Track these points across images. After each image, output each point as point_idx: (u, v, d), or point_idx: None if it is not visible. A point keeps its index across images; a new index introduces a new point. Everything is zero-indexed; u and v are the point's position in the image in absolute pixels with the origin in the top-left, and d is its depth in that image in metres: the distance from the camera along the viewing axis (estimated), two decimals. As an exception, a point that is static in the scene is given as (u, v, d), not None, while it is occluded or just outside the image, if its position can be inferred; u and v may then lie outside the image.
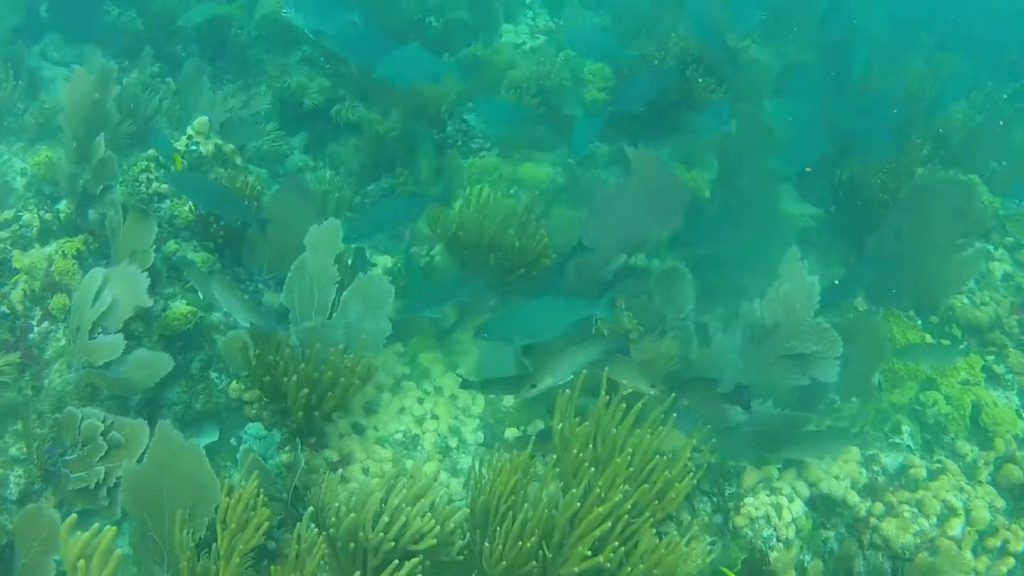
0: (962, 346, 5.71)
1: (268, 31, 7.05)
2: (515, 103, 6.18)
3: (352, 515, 3.71)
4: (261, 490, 3.83)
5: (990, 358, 5.72)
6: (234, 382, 5.04)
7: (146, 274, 4.83)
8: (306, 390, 4.53)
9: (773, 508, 4.74)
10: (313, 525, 3.90)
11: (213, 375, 5.24)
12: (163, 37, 6.98)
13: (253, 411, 4.93)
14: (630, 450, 4.05)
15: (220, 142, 5.93)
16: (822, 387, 5.08)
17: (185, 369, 5.16)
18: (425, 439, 5.04)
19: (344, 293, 5.03)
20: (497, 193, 5.65)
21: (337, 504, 3.84)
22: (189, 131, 5.89)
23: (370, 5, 7.03)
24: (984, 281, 6.10)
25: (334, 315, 5.01)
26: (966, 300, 5.92)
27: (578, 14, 7.18)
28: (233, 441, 5.09)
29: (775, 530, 4.70)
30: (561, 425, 4.11)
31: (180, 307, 5.19)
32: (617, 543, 3.77)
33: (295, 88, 6.57)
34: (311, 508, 4.03)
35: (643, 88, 5.80)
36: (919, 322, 5.80)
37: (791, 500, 4.80)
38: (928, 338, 5.67)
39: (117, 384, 4.69)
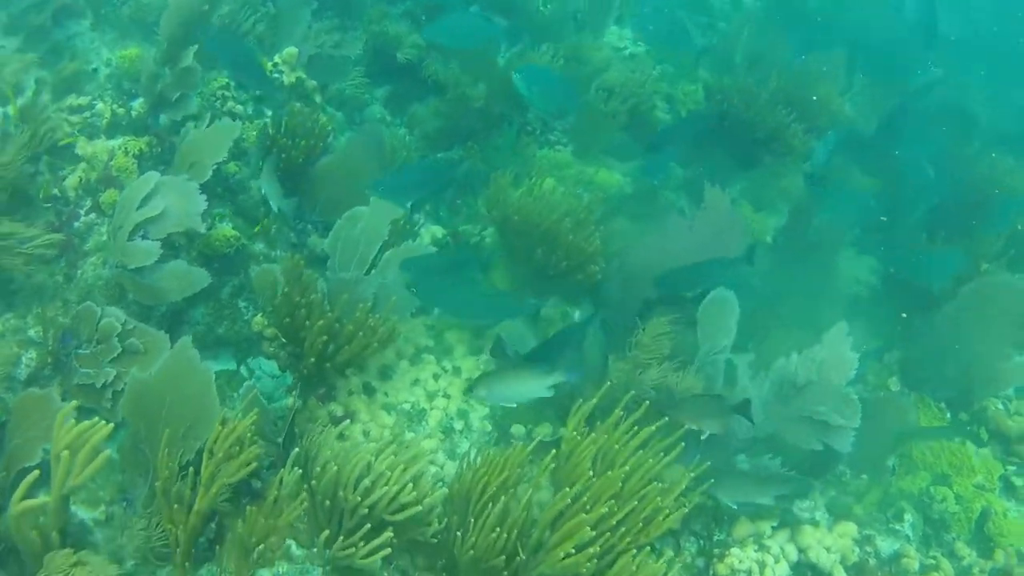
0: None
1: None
2: (564, 76, 6.06)
3: (335, 469, 3.69)
4: (256, 427, 3.82)
5: (1011, 468, 5.55)
6: (259, 315, 5.02)
7: (204, 196, 4.82)
8: (324, 338, 4.50)
9: (757, 565, 4.63)
10: (298, 469, 3.88)
11: (241, 304, 5.24)
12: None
13: (271, 348, 4.92)
14: (626, 468, 4.02)
15: (304, 76, 5.92)
16: (833, 457, 4.97)
17: (215, 292, 5.16)
18: (431, 415, 4.99)
19: (387, 253, 5.01)
20: (561, 188, 5.57)
21: (324, 458, 3.82)
22: (276, 59, 5.87)
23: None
24: (1022, 393, 5.90)
25: (372, 272, 4.99)
26: (1000, 406, 5.74)
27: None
28: (244, 372, 5.11)
29: (754, 587, 4.61)
30: (571, 433, 4.08)
31: (225, 229, 5.20)
32: (596, 550, 3.73)
33: (391, 37, 6.50)
34: (296, 450, 4.00)
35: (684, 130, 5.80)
36: (948, 415, 5.63)
37: (777, 561, 4.69)
38: (953, 432, 5.54)
39: (146, 291, 4.69)
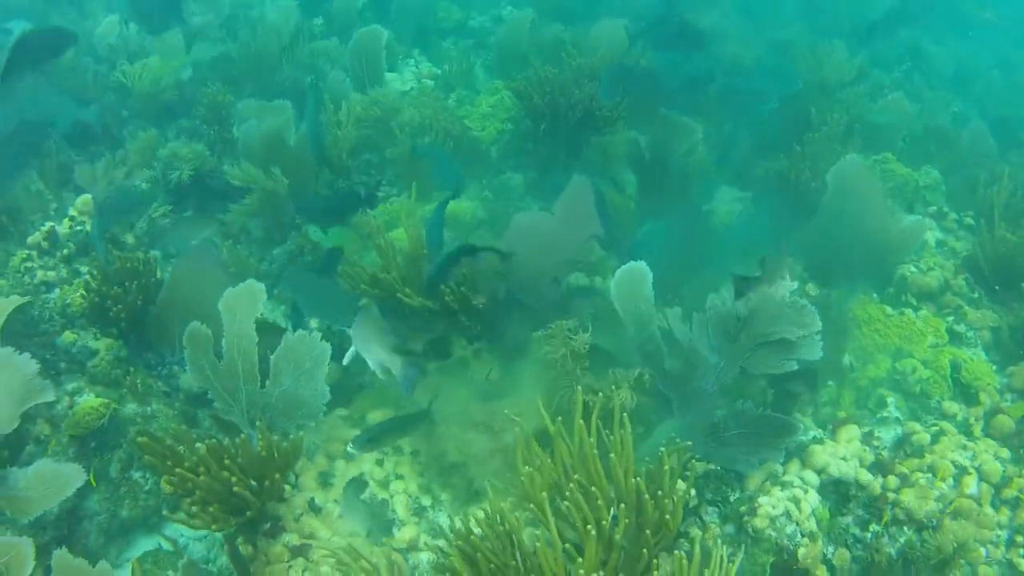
0: None
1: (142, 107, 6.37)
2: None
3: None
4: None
5: (949, 319, 5.43)
6: (164, 479, 4.21)
7: (30, 357, 4.01)
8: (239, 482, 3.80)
9: (791, 503, 4.20)
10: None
11: (136, 475, 4.44)
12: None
13: (192, 507, 4.11)
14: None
15: (105, 221, 5.19)
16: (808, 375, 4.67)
17: (103, 473, 4.35)
18: (396, 503, 4.33)
19: (272, 356, 4.31)
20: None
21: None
22: (72, 211, 5.12)
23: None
24: (921, 250, 5.84)
25: (266, 383, 4.28)
26: (913, 269, 5.65)
27: None
28: (167, 546, 4.29)
29: (798, 525, 4.16)
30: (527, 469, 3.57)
31: (89, 401, 4.39)
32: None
33: (168, 159, 5.84)
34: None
35: None
36: (875, 295, 5.47)
37: (805, 491, 4.28)
38: (888, 310, 5.34)
39: (13, 503, 3.81)
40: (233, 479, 3.75)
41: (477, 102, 6.32)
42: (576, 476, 3.54)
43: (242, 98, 6.30)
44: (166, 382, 4.80)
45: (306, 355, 4.26)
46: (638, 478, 3.50)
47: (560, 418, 3.70)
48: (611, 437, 3.61)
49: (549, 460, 3.60)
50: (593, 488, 3.45)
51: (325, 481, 4.38)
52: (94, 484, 4.23)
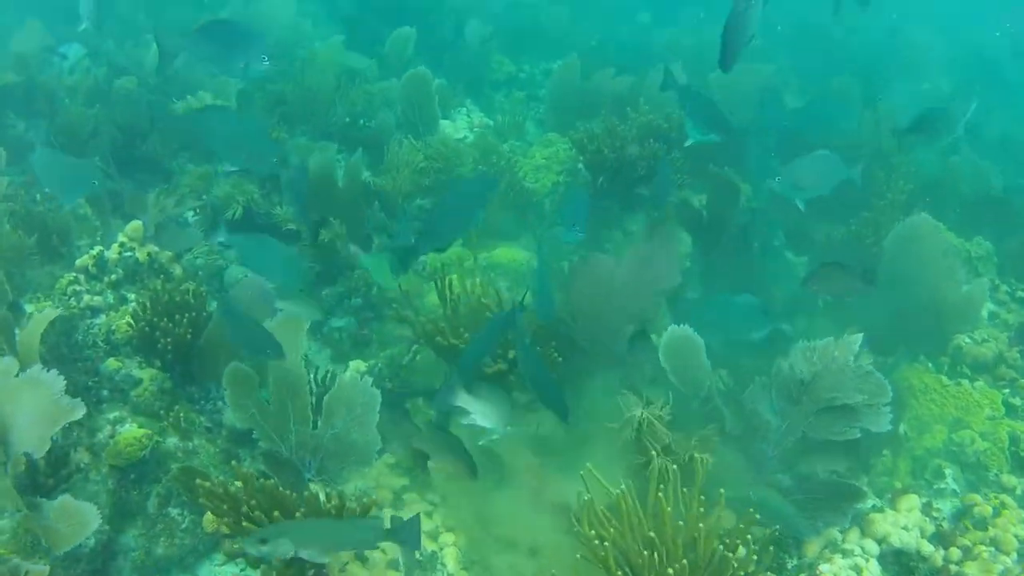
0: None
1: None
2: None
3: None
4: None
5: (1005, 391, 5.25)
6: (208, 513, 4.01)
7: (57, 373, 3.67)
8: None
9: (853, 571, 3.99)
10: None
11: (174, 512, 4.20)
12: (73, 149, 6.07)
13: (235, 545, 3.92)
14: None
15: (155, 249, 5.03)
16: (864, 445, 4.47)
17: (141, 507, 4.13)
18: (446, 555, 4.10)
19: (326, 398, 4.14)
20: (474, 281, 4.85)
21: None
22: (121, 237, 4.97)
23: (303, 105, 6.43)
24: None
25: (319, 422, 4.09)
26: (968, 340, 5.47)
27: None
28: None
29: (860, 596, 3.95)
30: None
31: (131, 431, 4.18)
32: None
33: (221, 199, 5.71)
34: None
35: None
36: (930, 365, 5.28)
37: (867, 560, 4.06)
38: (945, 380, 5.15)
39: (48, 534, 3.58)
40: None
41: (531, 153, 6.21)
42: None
43: (295, 136, 6.22)
44: (209, 417, 4.60)
45: (358, 399, 4.09)
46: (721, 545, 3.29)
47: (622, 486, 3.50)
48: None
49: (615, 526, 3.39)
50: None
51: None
52: None
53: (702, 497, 3.34)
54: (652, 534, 3.23)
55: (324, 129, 6.23)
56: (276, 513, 3.47)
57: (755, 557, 3.31)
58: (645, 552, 3.20)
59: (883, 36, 10.11)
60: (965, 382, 5.20)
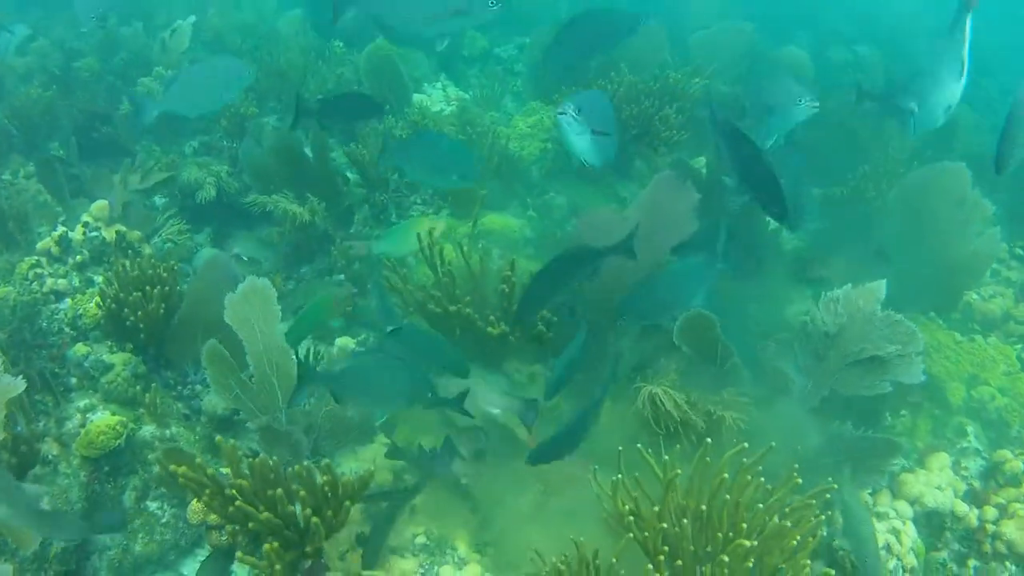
0: None
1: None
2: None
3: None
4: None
5: (1018, 347, 4.97)
6: (195, 501, 3.58)
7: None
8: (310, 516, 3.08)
9: (891, 535, 3.66)
10: None
11: (152, 506, 3.77)
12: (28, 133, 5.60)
13: (223, 538, 3.50)
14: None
15: (123, 228, 4.58)
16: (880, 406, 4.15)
17: (117, 501, 3.71)
18: (456, 539, 3.67)
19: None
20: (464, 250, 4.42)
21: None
22: (85, 217, 4.52)
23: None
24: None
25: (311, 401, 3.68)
26: (976, 296, 5.19)
27: None
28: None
29: (899, 559, 3.62)
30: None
31: (104, 419, 3.74)
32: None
33: (190, 182, 5.23)
34: None
35: None
36: (942, 322, 4.98)
37: (903, 523, 3.74)
38: (957, 336, 4.85)
39: (12, 533, 3.15)
40: (308, 511, 3.08)
41: (513, 123, 5.83)
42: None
43: (265, 114, 5.79)
44: (187, 403, 4.16)
45: None
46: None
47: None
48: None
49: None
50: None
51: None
52: None
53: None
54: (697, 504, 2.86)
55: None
56: (269, 493, 3.04)
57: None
58: (685, 521, 2.83)
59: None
60: (979, 338, 4.90)
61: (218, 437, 3.32)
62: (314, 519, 3.02)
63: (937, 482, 3.92)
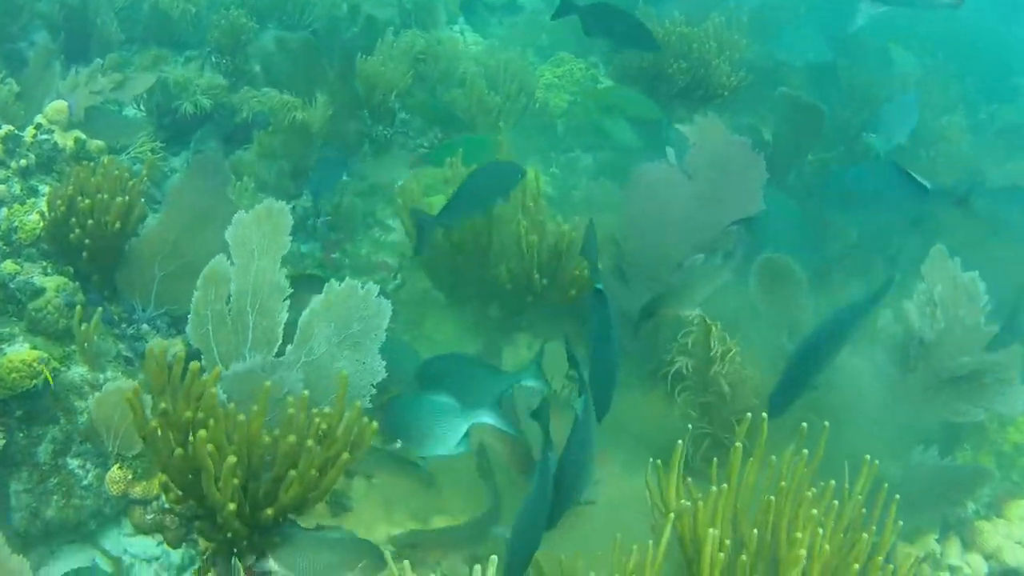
0: None
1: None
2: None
3: None
4: None
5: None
6: (115, 467, 2.81)
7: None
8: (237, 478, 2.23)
9: (961, 594, 2.93)
10: None
11: (73, 463, 3.01)
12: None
13: (149, 516, 2.74)
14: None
15: (83, 135, 3.79)
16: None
17: (29, 454, 2.95)
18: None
19: (304, 314, 2.91)
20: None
21: None
22: (38, 119, 3.73)
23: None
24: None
25: (288, 348, 2.86)
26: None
27: None
28: (104, 565, 2.88)
29: (973, 625, 2.89)
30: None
31: (20, 353, 2.95)
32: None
33: (173, 86, 4.43)
34: None
35: None
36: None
37: (976, 581, 3.01)
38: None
39: None
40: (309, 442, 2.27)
41: (539, 71, 5.08)
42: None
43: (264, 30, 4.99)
44: (129, 344, 3.38)
45: (354, 314, 2.84)
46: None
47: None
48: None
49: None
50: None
51: (338, 503, 3.03)
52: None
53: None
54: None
55: (303, 28, 5.00)
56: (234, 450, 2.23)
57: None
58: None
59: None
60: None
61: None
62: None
63: (1019, 535, 3.19)
